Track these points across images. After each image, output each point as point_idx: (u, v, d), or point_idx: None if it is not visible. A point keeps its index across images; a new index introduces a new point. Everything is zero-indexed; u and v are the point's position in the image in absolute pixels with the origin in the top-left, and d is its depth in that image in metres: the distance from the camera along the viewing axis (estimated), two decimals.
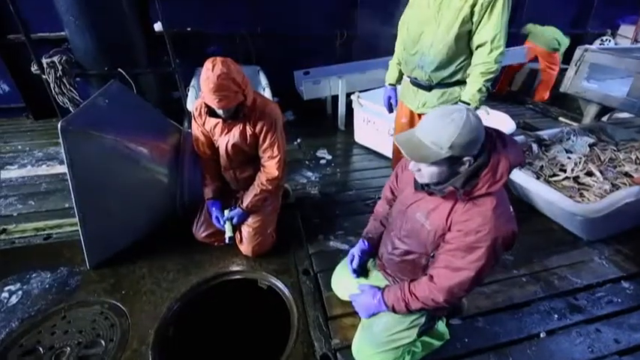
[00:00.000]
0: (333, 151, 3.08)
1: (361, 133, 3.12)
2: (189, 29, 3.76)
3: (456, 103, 1.63)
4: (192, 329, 1.68)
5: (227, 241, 1.74)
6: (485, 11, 1.40)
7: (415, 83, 1.73)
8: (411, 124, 1.82)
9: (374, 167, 2.83)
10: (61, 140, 1.44)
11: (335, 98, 3.57)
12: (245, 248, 1.78)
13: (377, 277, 1.38)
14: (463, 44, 1.50)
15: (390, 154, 2.82)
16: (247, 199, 1.74)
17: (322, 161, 2.89)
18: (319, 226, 2.07)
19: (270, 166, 1.69)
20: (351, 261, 1.40)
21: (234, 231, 1.77)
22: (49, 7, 2.64)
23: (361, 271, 1.41)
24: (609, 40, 4.91)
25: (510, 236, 0.98)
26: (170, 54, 2.96)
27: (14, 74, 3.46)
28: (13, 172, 2.67)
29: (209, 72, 1.38)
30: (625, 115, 3.53)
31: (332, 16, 4.09)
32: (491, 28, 1.41)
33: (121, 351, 1.37)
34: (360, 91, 3.07)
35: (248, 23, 3.86)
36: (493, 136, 0.99)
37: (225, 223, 1.76)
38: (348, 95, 3.24)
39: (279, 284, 1.68)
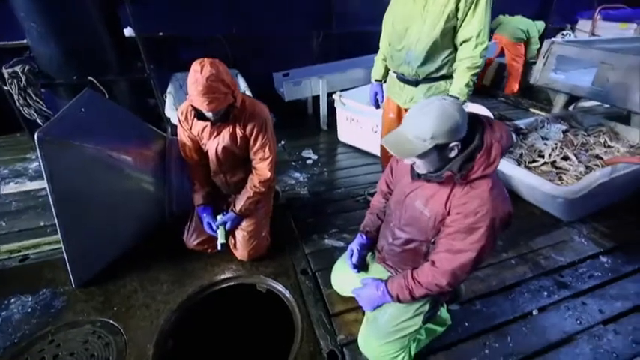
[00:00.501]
0: (318, 151, 3.09)
1: (345, 131, 3.15)
2: (161, 34, 3.65)
3: None
4: (193, 339, 1.63)
5: (219, 247, 1.70)
6: (470, 8, 1.45)
7: (402, 79, 1.76)
8: (399, 119, 1.85)
9: (360, 165, 2.86)
10: (37, 152, 1.35)
11: (316, 99, 3.58)
12: (240, 253, 1.75)
13: (377, 270, 1.39)
14: (448, 39, 1.55)
15: (374, 151, 2.88)
16: (240, 203, 1.71)
17: (308, 161, 2.89)
18: (312, 225, 2.07)
19: (262, 168, 1.67)
20: (351, 256, 1.41)
21: (226, 236, 1.73)
22: (7, 13, 2.48)
23: (361, 266, 1.42)
24: (569, 34, 5.25)
25: (507, 216, 1.03)
26: (143, 60, 2.86)
27: None
28: None
29: (197, 74, 1.34)
30: (588, 103, 3.78)
31: (308, 16, 4.10)
32: (475, 24, 1.47)
33: None
34: (342, 90, 3.10)
35: (223, 26, 3.80)
36: (484, 121, 1.03)
37: (217, 228, 1.72)
38: (329, 95, 3.27)
39: (279, 286, 1.66)
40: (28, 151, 2.99)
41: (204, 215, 1.75)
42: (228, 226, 1.73)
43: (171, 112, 2.72)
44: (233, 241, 1.77)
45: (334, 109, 3.09)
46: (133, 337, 1.42)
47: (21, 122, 2.73)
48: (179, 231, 1.82)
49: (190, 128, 1.65)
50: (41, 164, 1.36)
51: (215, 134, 1.62)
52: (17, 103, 2.57)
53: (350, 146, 3.14)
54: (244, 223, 1.75)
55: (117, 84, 2.87)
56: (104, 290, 1.62)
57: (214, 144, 1.63)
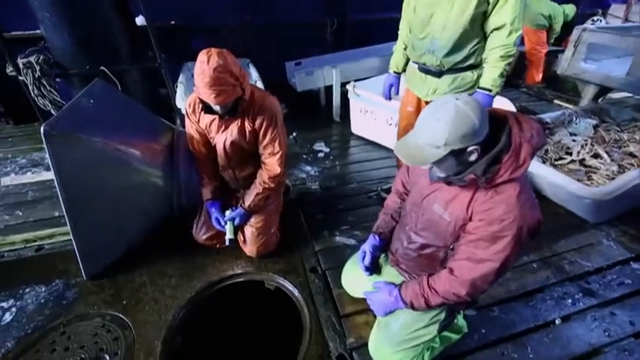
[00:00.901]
0: (330, 143, 3.01)
1: (358, 123, 3.05)
2: (173, 22, 3.60)
3: (471, 88, 1.57)
4: (201, 336, 1.62)
5: (227, 243, 1.67)
6: None
7: (424, 69, 1.64)
8: (418, 112, 1.74)
9: (374, 158, 2.77)
10: (45, 146, 1.34)
11: (329, 89, 3.48)
12: (249, 249, 1.71)
13: (390, 273, 1.33)
14: (478, 26, 1.43)
15: (389, 145, 2.78)
16: (249, 199, 1.67)
17: (320, 154, 2.82)
18: (323, 221, 2.01)
19: (272, 163, 1.62)
20: (363, 258, 1.35)
21: (235, 232, 1.70)
22: (21, 4, 2.47)
23: (373, 268, 1.36)
24: (600, 20, 4.90)
25: (536, 224, 0.94)
26: (155, 49, 2.82)
27: None
28: None
29: (204, 65, 1.28)
30: (618, 95, 3.53)
31: (322, 3, 3.96)
32: (509, 10, 1.35)
33: None
34: (356, 81, 2.99)
35: (235, 14, 3.72)
36: (511, 119, 0.94)
37: (226, 224, 1.69)
38: (343, 85, 3.16)
39: (287, 284, 1.62)
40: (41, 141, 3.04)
41: (213, 210, 1.72)
42: (236, 221, 1.69)
43: (181, 102, 2.69)
44: (242, 237, 1.73)
45: (348, 99, 2.99)
46: (142, 332, 1.41)
47: (36, 112, 2.76)
48: (188, 225, 1.80)
49: (198, 121, 1.60)
50: (48, 157, 1.35)
51: (223, 128, 1.56)
52: (32, 94, 2.59)
53: (363, 139, 3.05)
54: (253, 219, 1.71)
55: (128, 74, 2.85)
56: (114, 283, 1.63)
57: (222, 138, 1.58)
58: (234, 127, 1.55)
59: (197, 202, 1.83)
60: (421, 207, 1.12)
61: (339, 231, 1.93)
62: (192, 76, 3.58)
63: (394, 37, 1.84)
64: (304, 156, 2.79)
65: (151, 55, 2.89)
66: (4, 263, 1.76)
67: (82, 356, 1.34)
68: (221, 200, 1.75)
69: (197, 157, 1.73)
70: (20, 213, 2.15)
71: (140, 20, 3.15)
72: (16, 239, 1.92)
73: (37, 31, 2.77)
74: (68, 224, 1.49)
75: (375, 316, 1.33)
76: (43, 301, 1.56)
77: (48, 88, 2.57)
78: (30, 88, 2.57)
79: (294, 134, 3.13)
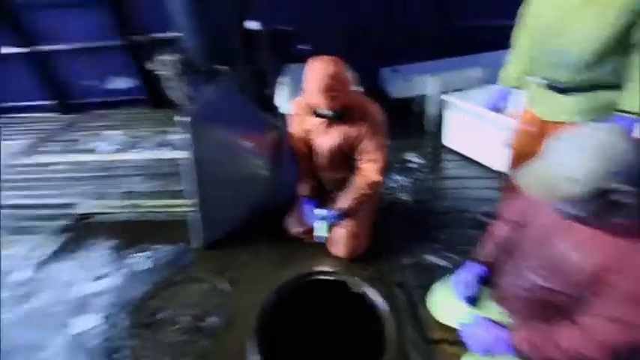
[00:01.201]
0: (422, 154, 2.88)
1: (455, 137, 2.86)
2: (280, 27, 3.86)
3: (607, 110, 1.34)
4: (288, 322, 1.73)
5: (317, 240, 1.74)
6: None
7: (549, 86, 1.44)
8: (540, 136, 1.53)
9: (470, 176, 2.57)
10: (183, 130, 1.61)
11: (424, 97, 3.34)
12: (340, 249, 1.76)
13: (491, 309, 1.22)
14: (623, 39, 1.21)
15: (489, 163, 2.54)
16: (344, 202, 1.71)
17: (412, 165, 2.74)
18: (414, 235, 1.95)
19: (371, 170, 1.64)
20: (463, 286, 1.26)
21: (327, 231, 1.76)
22: (163, 10, 2.97)
23: (474, 299, 1.27)
24: None
25: None
26: (265, 52, 3.09)
27: (140, 70, 4.02)
28: (138, 155, 3.14)
29: (318, 71, 1.39)
30: None
31: (423, 6, 3.81)
32: None
33: (226, 330, 1.50)
34: (455, 91, 2.81)
35: (336, 18, 3.82)
36: None
37: (316, 221, 1.76)
38: (440, 95, 3.00)
39: (373, 294, 1.62)
40: (173, 125, 3.56)
41: (307, 207, 1.81)
42: (329, 222, 1.75)
43: (284, 103, 2.88)
44: (332, 236, 1.78)
45: (445, 110, 2.82)
46: (242, 305, 1.59)
47: (167, 102, 3.29)
48: (284, 216, 1.93)
49: (303, 122, 1.71)
50: (184, 140, 1.61)
51: (327, 131, 1.64)
52: (165, 86, 3.10)
53: (459, 154, 2.85)
54: (346, 222, 1.74)
55: (243, 74, 3.19)
56: (223, 255, 1.88)
57: (324, 141, 1.66)
58: (336, 132, 1.61)
59: (294, 197, 1.94)
60: (544, 243, 1.00)
61: (430, 249, 1.85)
62: (295, 78, 3.83)
63: (501, 46, 1.68)
64: (396, 165, 2.73)
65: (260, 58, 3.19)
66: (144, 222, 2.21)
67: (192, 313, 1.58)
68: (316, 198, 1.84)
69: (298, 155, 1.85)
70: (156, 183, 2.63)
71: (251, 24, 3.48)
72: (155, 203, 2.38)
73: (175, 34, 3.29)
74: (193, 197, 1.76)
75: (466, 350, 1.24)
76: (170, 258, 1.89)
77: (181, 83, 3.05)
78: (164, 82, 3.08)
79: (386, 142, 3.08)
